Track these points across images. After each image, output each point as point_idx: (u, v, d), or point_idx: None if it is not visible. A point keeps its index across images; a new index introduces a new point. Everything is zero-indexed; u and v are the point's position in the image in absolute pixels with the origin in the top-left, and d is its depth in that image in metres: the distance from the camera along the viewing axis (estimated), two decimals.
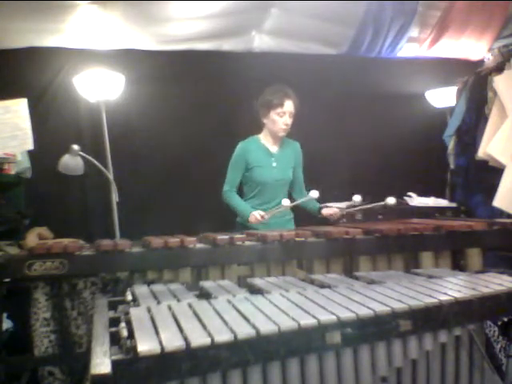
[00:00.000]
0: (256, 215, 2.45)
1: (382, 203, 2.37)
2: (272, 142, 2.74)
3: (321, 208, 2.66)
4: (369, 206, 2.49)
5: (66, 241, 1.80)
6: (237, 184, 2.69)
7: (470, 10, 3.70)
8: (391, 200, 2.36)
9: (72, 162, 2.87)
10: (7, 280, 1.69)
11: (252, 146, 2.72)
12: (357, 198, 2.42)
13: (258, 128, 3.68)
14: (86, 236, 2.02)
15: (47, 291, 1.74)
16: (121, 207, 3.16)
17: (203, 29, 3.43)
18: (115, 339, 1.20)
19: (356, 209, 2.60)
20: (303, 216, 2.79)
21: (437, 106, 4.00)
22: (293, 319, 1.26)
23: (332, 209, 2.63)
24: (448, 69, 4.08)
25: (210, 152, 3.57)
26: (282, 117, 2.63)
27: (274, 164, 2.70)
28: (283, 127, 2.65)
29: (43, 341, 1.72)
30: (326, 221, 2.68)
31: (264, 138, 2.76)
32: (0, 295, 1.70)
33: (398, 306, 1.39)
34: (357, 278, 1.84)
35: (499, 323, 1.95)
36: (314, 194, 2.35)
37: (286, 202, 2.37)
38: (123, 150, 3.40)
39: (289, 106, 2.64)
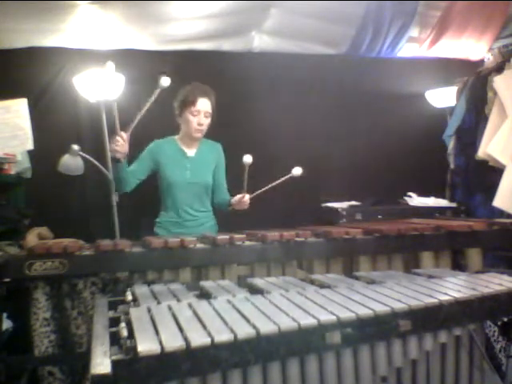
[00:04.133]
0: (116, 138, 2.22)
1: (288, 175, 2.28)
2: (189, 144, 2.56)
3: (230, 199, 2.49)
4: (274, 183, 2.30)
5: (66, 241, 1.80)
6: (134, 176, 2.47)
7: (470, 10, 3.70)
8: (297, 171, 2.29)
9: (72, 162, 2.87)
10: (7, 280, 1.69)
11: (166, 146, 2.54)
12: (247, 158, 2.26)
13: (258, 127, 3.71)
14: (86, 236, 2.02)
15: (47, 291, 1.74)
16: (121, 207, 3.16)
17: (203, 29, 3.42)
18: (115, 339, 1.20)
19: (262, 190, 2.34)
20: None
21: (437, 106, 4.00)
22: (293, 319, 1.26)
23: (240, 195, 2.38)
24: (448, 69, 4.07)
25: None
26: (195, 116, 2.45)
27: (189, 165, 2.51)
28: (197, 127, 2.47)
29: (43, 341, 1.72)
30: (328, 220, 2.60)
31: (180, 140, 2.58)
32: (0, 295, 1.70)
33: (397, 306, 1.39)
34: (357, 278, 1.84)
35: (499, 323, 1.95)
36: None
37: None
38: None
39: (203, 104, 2.46)
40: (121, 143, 2.24)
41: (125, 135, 2.24)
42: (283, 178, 2.24)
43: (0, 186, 2.86)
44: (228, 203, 2.50)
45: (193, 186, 2.49)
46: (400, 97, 4.02)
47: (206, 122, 2.49)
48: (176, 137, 2.61)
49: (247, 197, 2.36)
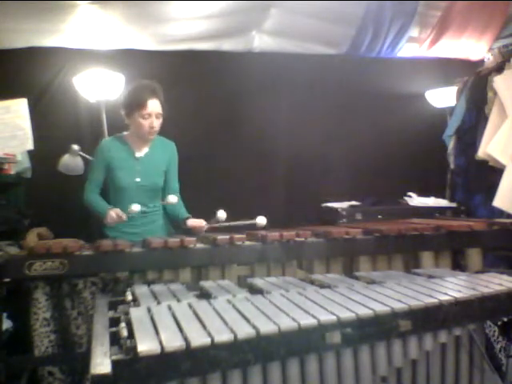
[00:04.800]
0: (112, 214, 2.21)
1: (253, 222, 2.15)
2: (139, 143, 2.40)
3: (187, 218, 2.38)
4: (236, 223, 2.20)
5: (65, 241, 1.80)
6: (98, 184, 2.41)
7: (470, 10, 3.70)
8: (261, 220, 2.15)
9: (72, 161, 2.87)
10: (7, 280, 1.69)
11: (114, 144, 2.40)
12: (221, 214, 2.18)
13: (258, 127, 3.71)
14: (86, 236, 2.02)
15: (47, 291, 1.74)
16: None
17: (203, 29, 3.43)
18: (115, 339, 1.20)
19: (222, 225, 2.24)
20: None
21: (437, 106, 4.00)
22: (293, 319, 1.26)
23: (199, 221, 2.32)
24: (448, 69, 4.08)
25: (210, 152, 3.58)
26: (147, 119, 2.29)
27: (139, 167, 2.37)
28: (149, 130, 2.32)
29: (43, 341, 1.72)
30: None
31: (130, 138, 2.41)
32: (0, 295, 1.71)
33: (397, 306, 1.39)
34: (357, 278, 1.84)
35: (499, 323, 1.95)
36: (173, 198, 2.17)
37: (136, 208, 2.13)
38: None
39: (154, 106, 2.30)
40: (115, 221, 2.23)
41: (123, 214, 2.21)
42: (246, 222, 2.16)
43: (0, 185, 2.86)
44: (183, 220, 2.38)
45: (142, 189, 2.39)
46: (400, 97, 4.02)
47: (158, 122, 2.35)
48: (126, 134, 2.44)
49: (205, 227, 2.29)
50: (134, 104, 2.30)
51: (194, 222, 2.32)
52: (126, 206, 2.29)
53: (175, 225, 2.54)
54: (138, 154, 2.41)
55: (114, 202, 2.41)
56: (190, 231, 2.32)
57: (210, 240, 1.87)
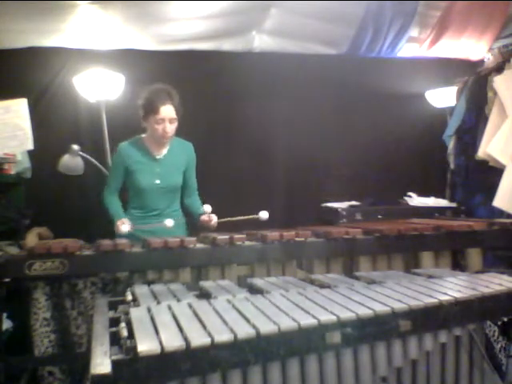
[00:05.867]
0: (119, 225, 2.22)
1: (255, 216, 2.17)
2: (157, 145, 2.43)
3: (201, 215, 2.40)
4: (239, 218, 2.23)
5: (66, 241, 1.80)
6: (117, 188, 2.46)
7: (470, 10, 3.70)
8: (264, 214, 2.16)
9: (72, 162, 2.87)
10: (7, 280, 1.69)
11: (133, 148, 2.42)
12: (207, 207, 2.27)
13: (257, 127, 3.71)
14: (86, 236, 2.02)
15: (47, 291, 1.74)
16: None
17: (203, 29, 3.43)
18: (115, 339, 1.20)
19: (227, 220, 2.28)
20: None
21: (437, 106, 4.00)
22: (293, 319, 1.26)
23: (209, 217, 2.35)
24: (448, 69, 4.08)
25: (210, 152, 3.57)
26: (160, 124, 2.31)
27: (158, 169, 2.41)
28: (163, 135, 2.34)
29: (43, 341, 1.73)
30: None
31: (148, 140, 2.44)
32: (0, 295, 1.71)
33: (398, 306, 1.39)
34: (357, 278, 1.85)
35: (499, 323, 1.95)
36: (169, 222, 2.14)
37: (169, 223, 2.13)
38: None
39: (167, 111, 2.31)
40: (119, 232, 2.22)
41: (126, 225, 2.21)
42: (249, 217, 2.19)
43: (0, 185, 2.86)
44: (198, 216, 2.43)
45: (162, 190, 2.42)
46: (400, 97, 4.02)
47: (172, 127, 2.36)
48: (143, 136, 2.47)
49: (215, 220, 2.34)
50: (149, 109, 2.33)
51: (205, 217, 2.37)
52: (145, 207, 2.41)
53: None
54: (158, 156, 2.44)
55: (133, 203, 2.46)
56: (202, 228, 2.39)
57: (209, 240, 1.87)
